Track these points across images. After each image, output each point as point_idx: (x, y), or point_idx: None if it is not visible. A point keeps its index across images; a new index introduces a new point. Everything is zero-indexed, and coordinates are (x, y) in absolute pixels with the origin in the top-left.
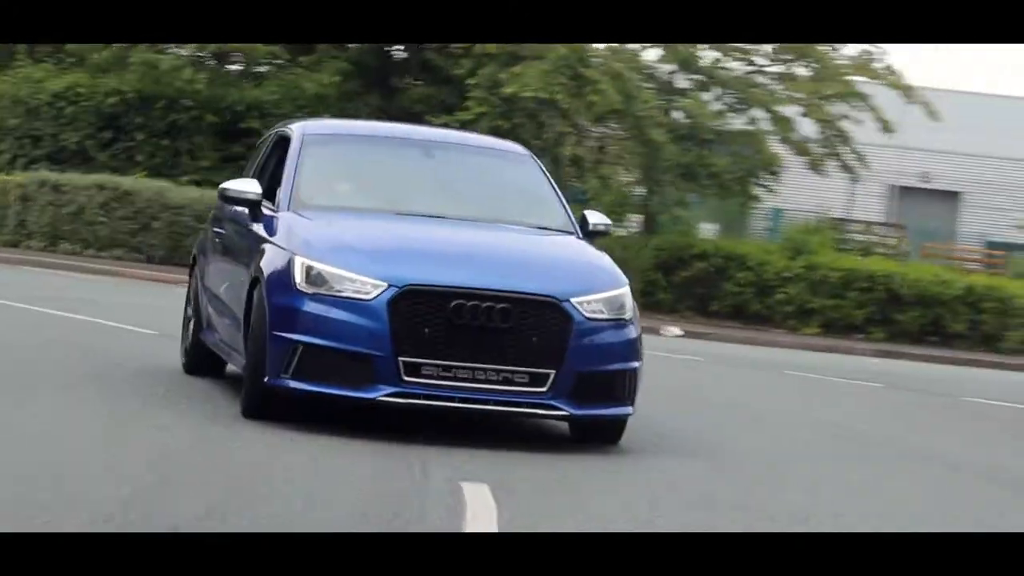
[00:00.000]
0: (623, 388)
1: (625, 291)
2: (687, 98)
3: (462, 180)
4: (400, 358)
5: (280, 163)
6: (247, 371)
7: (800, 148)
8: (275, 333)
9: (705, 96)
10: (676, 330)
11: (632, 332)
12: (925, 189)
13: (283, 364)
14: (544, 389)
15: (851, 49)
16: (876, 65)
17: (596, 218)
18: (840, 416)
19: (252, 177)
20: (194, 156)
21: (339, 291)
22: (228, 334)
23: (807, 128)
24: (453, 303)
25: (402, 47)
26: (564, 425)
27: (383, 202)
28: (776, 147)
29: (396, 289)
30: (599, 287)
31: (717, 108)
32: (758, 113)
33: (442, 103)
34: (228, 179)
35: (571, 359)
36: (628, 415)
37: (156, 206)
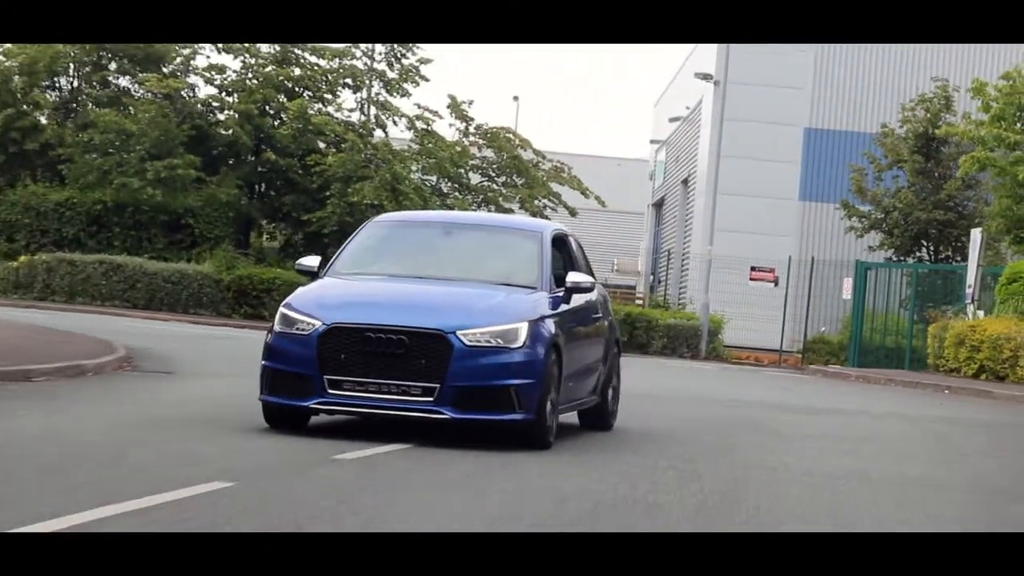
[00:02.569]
0: (509, 399)
1: (519, 326)
2: (453, 199)
3: (465, 252)
4: (325, 376)
5: None
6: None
7: None
8: (261, 362)
9: (463, 197)
10: None
11: (521, 356)
12: None
13: (264, 384)
14: (432, 399)
15: (548, 165)
16: (563, 175)
17: (574, 277)
18: None
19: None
20: (151, 242)
21: (295, 330)
22: None
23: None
24: (364, 335)
25: (267, 168)
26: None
27: (394, 269)
28: None
29: (325, 326)
30: (491, 323)
31: (470, 204)
32: (492, 207)
33: (303, 206)
34: (176, 257)
35: (451, 376)
36: (516, 421)
37: (138, 273)
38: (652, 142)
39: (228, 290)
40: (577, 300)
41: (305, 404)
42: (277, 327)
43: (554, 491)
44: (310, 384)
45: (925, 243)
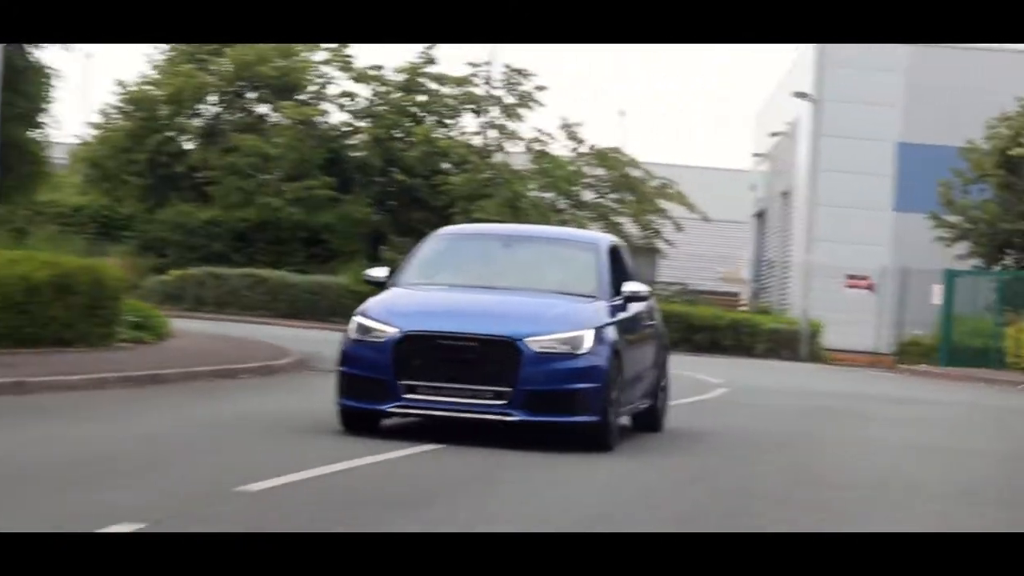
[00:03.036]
0: (575, 402)
1: (582, 333)
2: (568, 215)
3: (525, 264)
4: (400, 381)
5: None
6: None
7: (627, 242)
8: (338, 368)
9: (578, 213)
10: None
11: (586, 362)
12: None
13: (341, 389)
14: (504, 402)
15: (656, 182)
16: (669, 191)
17: (630, 287)
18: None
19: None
20: (292, 256)
21: (371, 338)
22: None
23: (631, 229)
24: (437, 342)
25: (396, 187)
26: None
27: (458, 279)
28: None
29: (400, 334)
30: (557, 330)
31: (584, 220)
32: (604, 223)
33: (430, 222)
34: (314, 269)
35: (522, 380)
36: (583, 423)
37: (281, 285)
38: (754, 155)
39: (363, 300)
40: (632, 308)
41: (382, 407)
42: (353, 335)
43: (675, 459)
44: (386, 389)
45: (1010, 251)
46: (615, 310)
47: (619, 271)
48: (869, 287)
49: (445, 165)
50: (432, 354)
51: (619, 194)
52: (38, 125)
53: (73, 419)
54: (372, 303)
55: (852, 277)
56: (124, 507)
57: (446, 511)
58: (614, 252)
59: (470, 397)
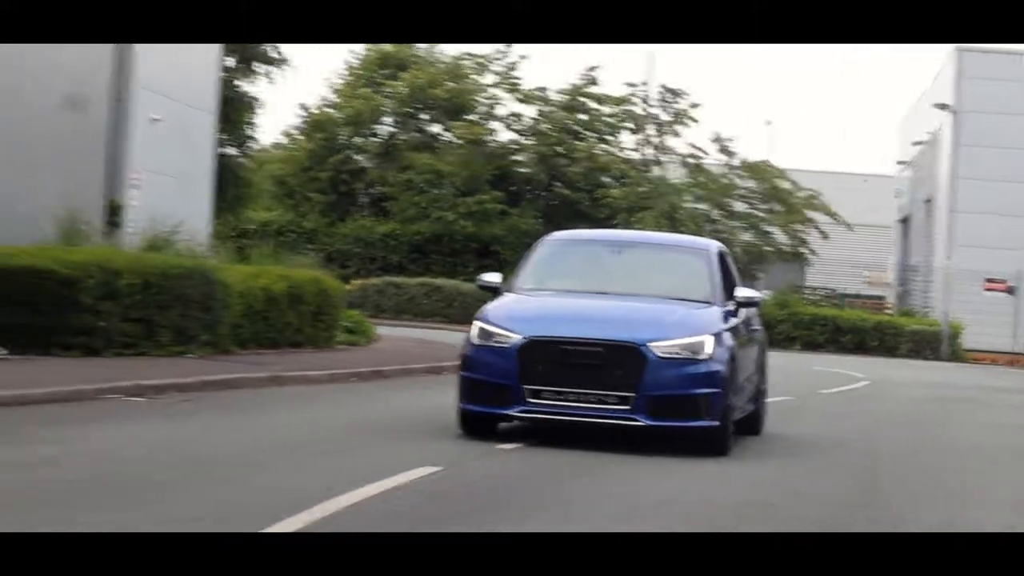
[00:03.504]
0: (697, 407)
1: (703, 339)
2: (721, 225)
3: (637, 269)
4: (525, 386)
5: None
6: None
7: (776, 250)
8: (460, 373)
9: (730, 223)
10: None
11: (707, 367)
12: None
13: (464, 393)
14: (628, 407)
15: (803, 193)
16: (815, 201)
17: (742, 292)
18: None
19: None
20: (464, 266)
21: (494, 343)
22: None
23: (781, 237)
24: (561, 347)
25: (559, 201)
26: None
27: (572, 285)
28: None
29: (524, 339)
30: (678, 335)
31: (735, 230)
32: (754, 232)
33: None
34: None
35: (646, 386)
36: (703, 427)
37: (454, 293)
38: (898, 163)
39: None
40: (742, 313)
41: (507, 412)
42: (475, 340)
43: (818, 433)
44: (511, 393)
45: None
46: (728, 315)
47: (728, 276)
48: (1007, 290)
49: (605, 179)
50: (556, 359)
51: (768, 205)
52: (244, 150)
53: (331, 403)
54: (492, 308)
55: (991, 280)
56: (418, 457)
57: (634, 474)
58: (722, 257)
59: (594, 402)
